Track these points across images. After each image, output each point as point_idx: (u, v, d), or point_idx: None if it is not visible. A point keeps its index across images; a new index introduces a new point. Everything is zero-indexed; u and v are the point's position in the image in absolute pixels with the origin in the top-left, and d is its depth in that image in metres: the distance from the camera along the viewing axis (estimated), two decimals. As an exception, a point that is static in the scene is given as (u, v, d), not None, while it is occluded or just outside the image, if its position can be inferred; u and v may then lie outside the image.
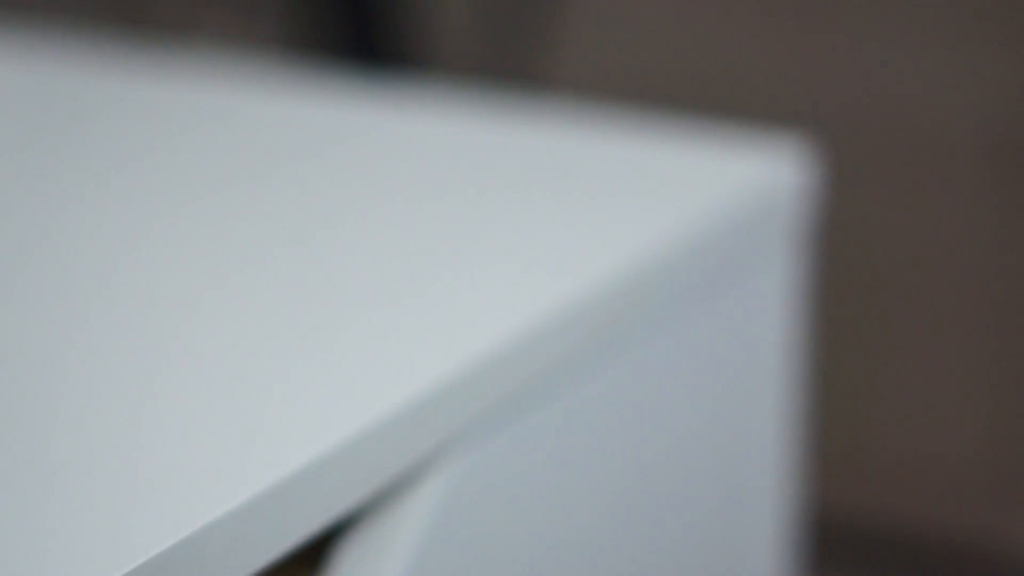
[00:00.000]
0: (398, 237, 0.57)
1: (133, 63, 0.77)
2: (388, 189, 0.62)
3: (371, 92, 0.73)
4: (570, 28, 1.43)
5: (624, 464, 0.56)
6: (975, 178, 1.36)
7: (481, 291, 0.52)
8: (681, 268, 0.56)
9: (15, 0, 1.28)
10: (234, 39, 1.36)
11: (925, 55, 1.35)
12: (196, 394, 0.46)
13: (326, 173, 0.64)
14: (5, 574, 0.37)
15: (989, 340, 1.41)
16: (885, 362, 1.45)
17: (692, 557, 0.62)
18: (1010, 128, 1.33)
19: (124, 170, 0.65)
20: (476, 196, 0.61)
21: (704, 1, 1.41)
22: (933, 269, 1.41)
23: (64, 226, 0.59)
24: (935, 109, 1.35)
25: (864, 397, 1.47)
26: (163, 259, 0.55)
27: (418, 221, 0.58)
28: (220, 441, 0.43)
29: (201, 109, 0.72)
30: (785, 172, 0.61)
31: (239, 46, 1.35)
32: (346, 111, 0.71)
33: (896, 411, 1.46)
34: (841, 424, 1.45)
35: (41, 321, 0.50)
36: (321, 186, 0.62)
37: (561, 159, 0.64)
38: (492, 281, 0.53)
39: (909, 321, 1.43)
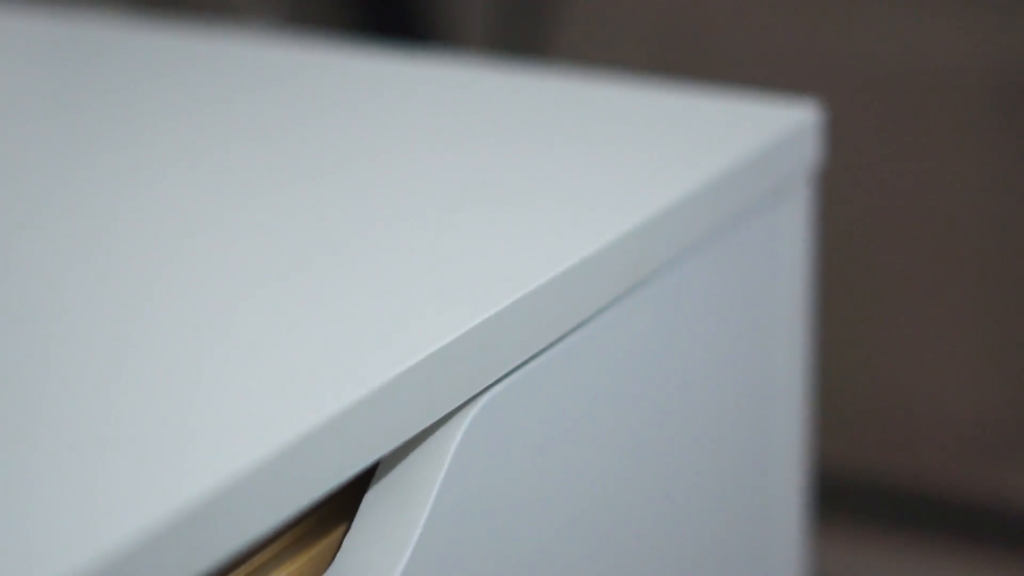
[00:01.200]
0: (440, 181, 0.58)
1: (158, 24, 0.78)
2: (435, 136, 0.64)
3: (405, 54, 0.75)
4: (574, 16, 1.44)
5: (654, 396, 0.58)
6: (978, 129, 1.37)
7: (535, 228, 0.54)
8: (711, 205, 0.58)
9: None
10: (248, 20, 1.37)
11: (928, 17, 1.35)
12: (232, 344, 0.47)
13: (368, 121, 0.65)
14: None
15: (995, 297, 1.42)
16: (889, 319, 1.46)
17: (714, 494, 0.64)
18: (1010, 77, 1.34)
19: (148, 122, 0.66)
20: (524, 142, 0.63)
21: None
22: (941, 224, 1.42)
23: (96, 183, 0.60)
24: (936, 67, 1.36)
25: (867, 353, 1.48)
26: (197, 209, 0.57)
27: (466, 166, 0.60)
28: (261, 388, 0.44)
29: (223, 60, 0.74)
30: (797, 122, 0.64)
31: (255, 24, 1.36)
32: (383, 66, 0.73)
33: (899, 368, 1.47)
34: (844, 379, 1.46)
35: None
36: (361, 133, 0.64)
37: (598, 109, 0.66)
38: (544, 217, 0.55)
39: (914, 279, 1.44)
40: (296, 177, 0.60)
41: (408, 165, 0.61)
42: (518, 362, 0.49)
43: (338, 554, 0.46)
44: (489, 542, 0.49)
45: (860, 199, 1.43)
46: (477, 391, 0.47)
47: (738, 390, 0.64)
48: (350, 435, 0.43)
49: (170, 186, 0.60)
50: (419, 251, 0.52)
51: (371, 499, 0.47)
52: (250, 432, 0.41)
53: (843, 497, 1.45)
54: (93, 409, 0.43)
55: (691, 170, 0.59)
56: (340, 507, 0.47)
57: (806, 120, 0.64)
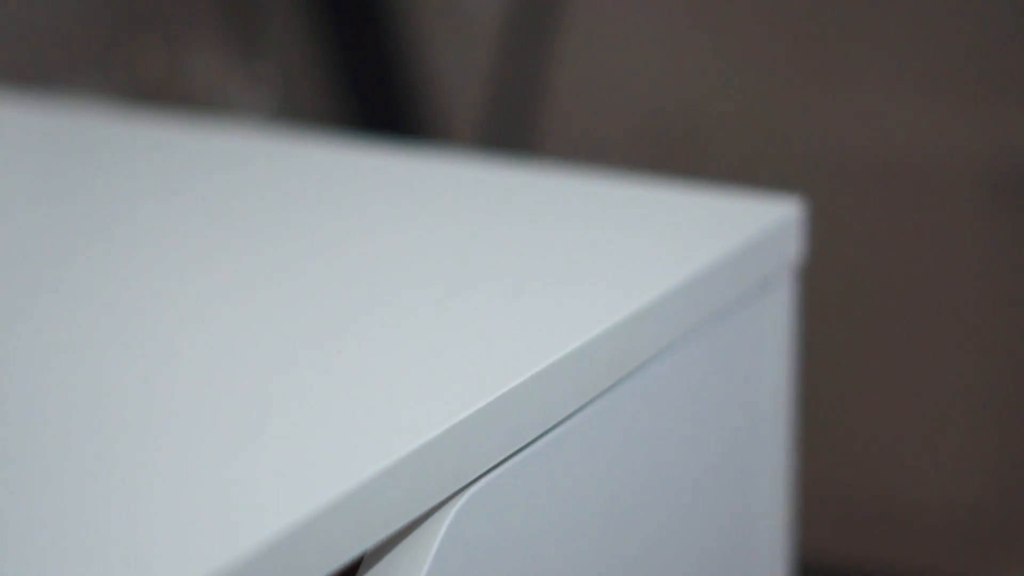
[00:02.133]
0: (428, 275, 0.59)
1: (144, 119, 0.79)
2: (423, 230, 0.64)
3: (393, 146, 0.76)
4: (562, 109, 1.45)
5: (638, 489, 0.58)
6: (967, 214, 1.38)
7: (521, 322, 0.54)
8: (696, 300, 0.59)
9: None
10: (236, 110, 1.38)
11: (914, 103, 1.37)
12: (216, 434, 0.47)
13: (356, 214, 0.66)
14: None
15: (980, 387, 1.42)
16: (874, 409, 1.47)
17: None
18: (997, 166, 1.35)
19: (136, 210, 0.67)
20: (511, 237, 0.64)
21: (689, 63, 1.44)
22: (928, 314, 1.42)
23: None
24: (924, 154, 1.38)
25: (852, 443, 1.48)
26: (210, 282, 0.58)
27: (454, 261, 0.60)
28: (247, 480, 0.45)
29: (213, 154, 0.75)
30: (781, 217, 0.65)
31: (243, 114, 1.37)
32: (370, 159, 0.74)
33: (884, 458, 1.47)
34: (828, 470, 1.46)
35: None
36: (349, 226, 0.65)
37: (583, 204, 0.67)
38: (530, 312, 0.55)
39: (900, 369, 1.45)
40: (286, 271, 0.61)
41: (397, 260, 0.61)
42: (503, 456, 0.50)
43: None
44: (474, 635, 0.49)
45: (847, 288, 1.44)
46: (462, 485, 0.48)
47: (722, 482, 0.64)
48: (335, 528, 0.43)
49: (161, 278, 0.60)
50: (405, 345, 0.53)
51: (357, 592, 0.47)
52: (236, 523, 0.42)
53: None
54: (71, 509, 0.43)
55: (676, 265, 0.60)
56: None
57: (790, 215, 0.65)
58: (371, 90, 1.37)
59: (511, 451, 0.50)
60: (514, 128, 1.45)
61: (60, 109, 0.87)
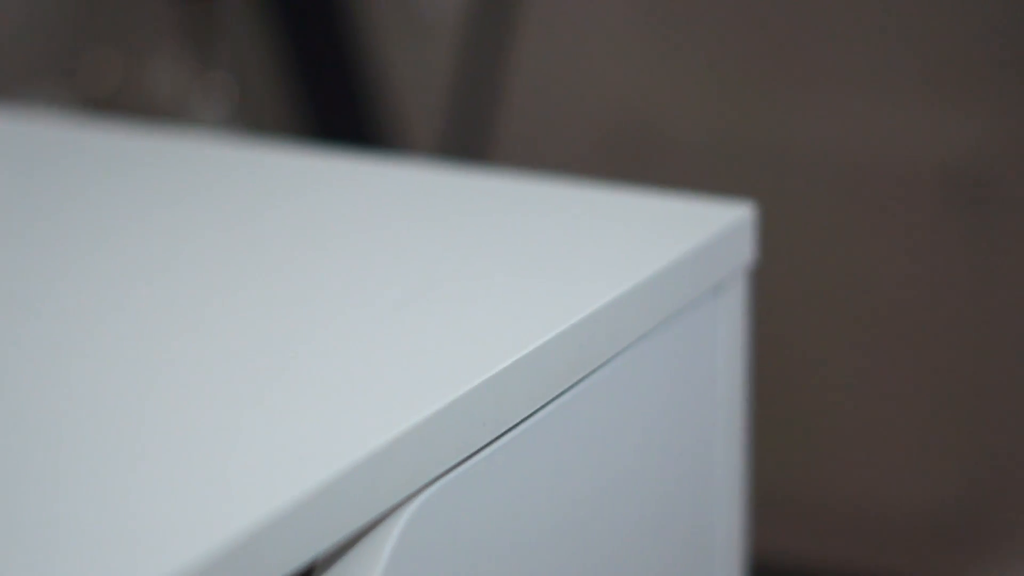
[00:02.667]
0: (384, 280, 0.59)
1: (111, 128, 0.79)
2: (380, 234, 0.65)
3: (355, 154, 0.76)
4: (522, 112, 1.45)
5: (593, 491, 0.58)
6: (927, 215, 1.39)
7: (474, 328, 0.55)
8: (649, 303, 0.59)
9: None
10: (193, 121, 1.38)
11: (874, 106, 1.38)
12: (165, 443, 0.48)
13: (314, 220, 0.66)
14: None
15: (939, 386, 1.43)
16: (831, 408, 1.47)
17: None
18: (957, 169, 1.36)
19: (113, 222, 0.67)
20: (467, 242, 0.64)
21: (648, 67, 1.44)
22: (886, 314, 1.43)
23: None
24: (884, 156, 1.38)
25: (813, 442, 1.48)
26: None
27: (409, 265, 0.61)
28: (200, 488, 0.45)
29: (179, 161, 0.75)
30: (734, 220, 0.65)
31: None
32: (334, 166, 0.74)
33: (847, 458, 1.48)
34: (790, 469, 1.47)
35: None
36: (305, 232, 0.65)
37: (540, 209, 0.67)
38: (484, 317, 0.56)
39: (858, 368, 1.45)
40: (238, 278, 0.61)
41: (351, 265, 0.62)
42: (457, 460, 0.50)
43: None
44: (429, 639, 0.49)
45: (809, 289, 1.44)
46: (416, 489, 0.48)
47: (678, 485, 0.65)
48: (287, 533, 0.43)
49: (120, 286, 0.60)
50: (359, 350, 0.53)
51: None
52: (187, 530, 0.42)
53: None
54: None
55: (629, 270, 0.60)
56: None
57: (742, 219, 0.66)
58: (330, 99, 1.37)
59: (464, 455, 0.50)
60: (473, 134, 1.45)
61: (18, 118, 0.86)
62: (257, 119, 1.44)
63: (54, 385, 0.52)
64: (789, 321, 1.45)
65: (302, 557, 0.44)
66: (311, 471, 0.45)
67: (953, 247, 1.38)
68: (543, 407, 0.55)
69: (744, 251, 0.66)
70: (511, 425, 0.53)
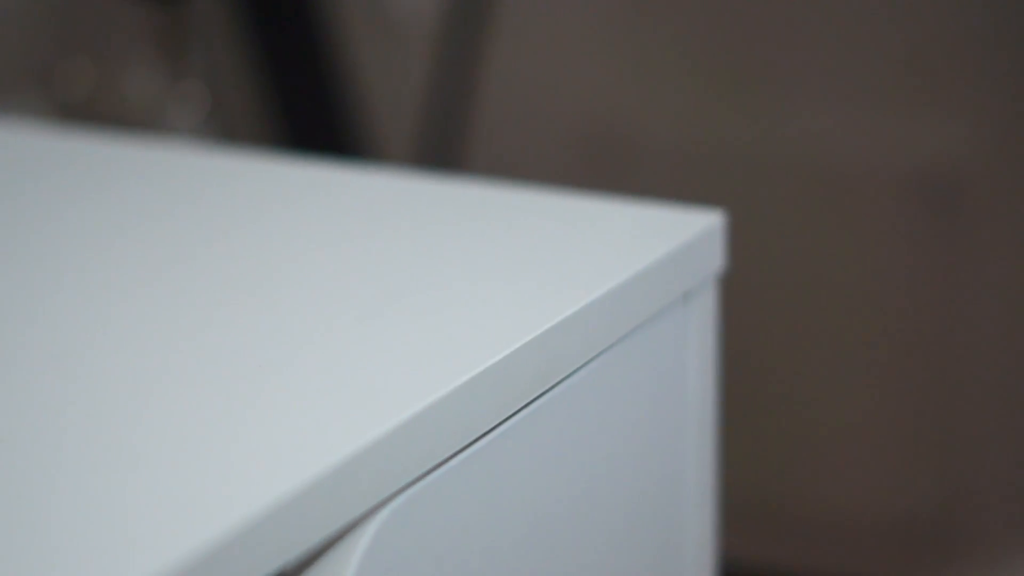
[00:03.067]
0: (354, 288, 0.59)
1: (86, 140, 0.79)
2: (351, 241, 0.65)
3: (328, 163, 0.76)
4: (497, 118, 1.46)
5: (563, 500, 0.58)
6: (899, 221, 1.39)
7: (443, 336, 0.55)
8: (619, 311, 0.60)
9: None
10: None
11: (846, 113, 1.38)
12: (132, 453, 0.48)
13: (285, 227, 0.66)
14: None
15: (907, 392, 1.43)
16: (804, 414, 1.48)
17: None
18: (931, 174, 1.37)
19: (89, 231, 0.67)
20: (438, 249, 0.64)
21: (620, 75, 1.44)
22: (857, 318, 1.44)
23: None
24: (856, 162, 1.39)
25: (783, 448, 1.49)
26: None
27: (380, 273, 0.61)
28: (166, 497, 0.45)
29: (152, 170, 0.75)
30: (703, 228, 0.66)
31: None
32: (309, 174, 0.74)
33: (816, 465, 1.48)
34: (760, 476, 1.47)
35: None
36: (276, 239, 0.65)
37: (511, 217, 0.68)
38: (453, 325, 0.56)
39: (828, 374, 1.46)
40: (205, 287, 0.61)
41: (318, 274, 0.62)
42: (423, 470, 0.50)
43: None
44: (398, 648, 0.49)
45: (779, 295, 1.45)
46: (382, 499, 0.48)
47: (648, 493, 0.65)
48: (254, 543, 0.43)
49: (93, 295, 0.60)
50: (328, 359, 0.53)
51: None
52: (153, 542, 0.42)
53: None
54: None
55: (599, 278, 0.60)
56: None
57: (713, 226, 0.66)
58: (303, 107, 1.37)
59: (433, 464, 0.50)
60: (447, 142, 1.45)
61: (-12, 129, 0.86)
62: (230, 127, 1.44)
63: (17, 402, 0.52)
64: (764, 326, 1.45)
65: (270, 566, 0.44)
66: (279, 479, 0.45)
67: (928, 253, 1.39)
68: (513, 415, 0.55)
69: (714, 259, 0.67)
70: (480, 434, 0.53)
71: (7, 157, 0.81)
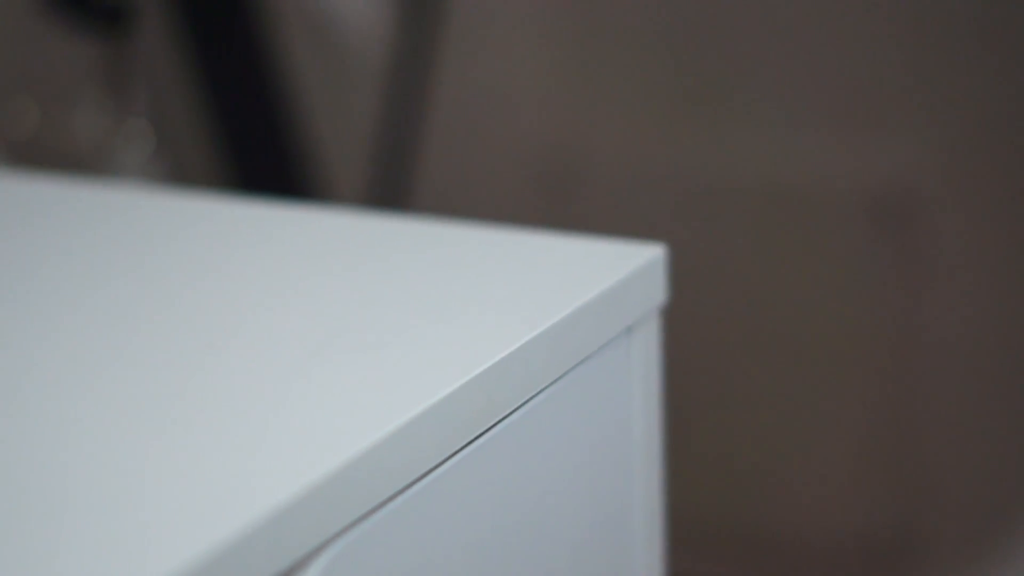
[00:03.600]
0: (295, 329, 0.59)
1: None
2: (293, 281, 0.65)
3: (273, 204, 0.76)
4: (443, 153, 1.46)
5: (508, 537, 0.59)
6: (849, 240, 1.40)
7: (384, 376, 0.55)
8: (560, 346, 0.60)
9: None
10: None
11: (796, 136, 1.39)
12: (76, 499, 0.47)
13: (225, 266, 0.66)
14: None
15: (863, 413, 1.44)
16: (758, 435, 1.48)
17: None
18: (881, 191, 1.38)
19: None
20: (380, 288, 0.64)
21: (571, 101, 1.45)
22: (812, 337, 1.44)
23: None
24: (806, 183, 1.40)
25: (737, 471, 1.49)
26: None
27: (320, 313, 0.61)
28: (107, 542, 0.45)
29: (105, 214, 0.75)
30: (645, 261, 0.66)
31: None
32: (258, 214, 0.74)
33: (771, 487, 1.48)
34: (714, 500, 1.48)
35: None
36: (215, 278, 0.65)
37: (452, 254, 0.68)
38: (395, 365, 0.56)
39: (783, 393, 1.46)
40: (142, 327, 0.61)
41: (264, 315, 0.62)
42: (366, 511, 0.50)
43: None
44: None
45: (732, 315, 1.45)
46: (322, 542, 0.48)
47: (595, 523, 0.65)
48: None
49: (26, 336, 0.60)
50: (267, 402, 0.53)
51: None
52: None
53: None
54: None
55: (541, 313, 0.61)
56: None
57: (655, 260, 0.66)
58: (251, 144, 1.36)
59: (372, 506, 0.50)
60: (398, 176, 1.45)
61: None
62: (178, 165, 1.44)
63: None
64: (720, 346, 1.46)
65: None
66: (219, 523, 0.45)
67: (881, 273, 1.40)
68: (456, 453, 0.55)
69: (657, 292, 0.67)
70: (422, 473, 0.53)
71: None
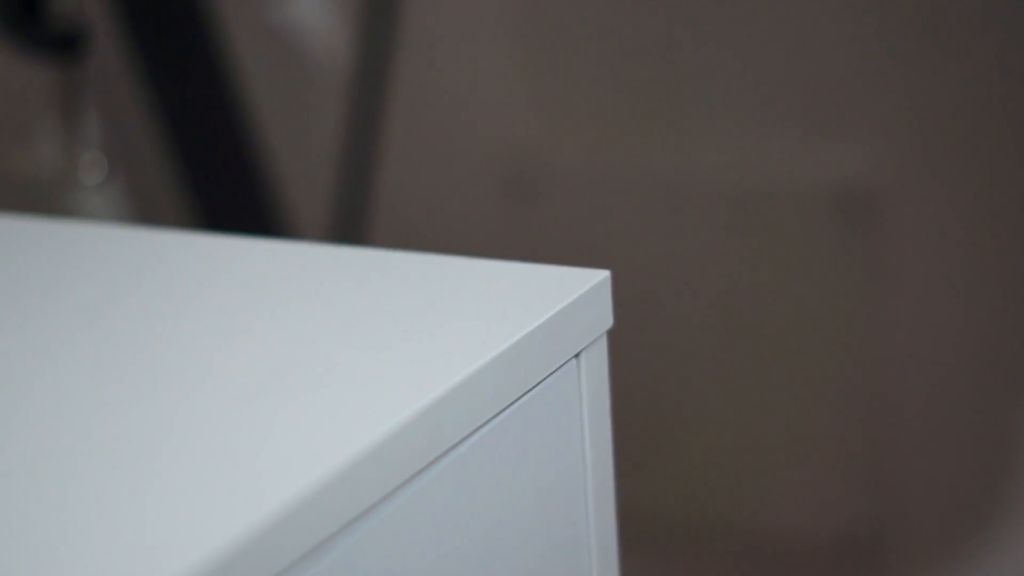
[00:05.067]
0: (239, 364, 0.59)
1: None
2: (239, 312, 0.65)
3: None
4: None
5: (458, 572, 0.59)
6: (819, 239, 1.41)
7: (326, 413, 0.55)
8: (504, 375, 0.60)
9: None
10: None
11: (763, 138, 1.40)
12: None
13: (170, 298, 0.66)
14: None
15: (831, 410, 1.45)
16: (735, 434, 1.49)
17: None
18: (848, 191, 1.38)
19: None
20: (324, 317, 0.64)
21: (533, 109, 1.45)
22: (786, 335, 1.45)
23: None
24: (774, 185, 1.40)
25: (716, 470, 1.49)
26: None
27: (264, 347, 0.61)
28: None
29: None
30: (590, 287, 0.66)
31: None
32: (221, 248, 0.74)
33: (749, 487, 1.49)
34: (691, 500, 1.48)
35: None
36: (161, 311, 0.65)
37: (395, 283, 0.68)
38: (338, 400, 0.56)
39: (754, 392, 1.47)
40: (86, 365, 0.61)
41: (205, 352, 0.62)
42: (306, 550, 0.50)
43: None
44: None
45: (705, 314, 1.46)
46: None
47: (548, 552, 0.65)
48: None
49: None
50: (206, 442, 0.54)
51: None
52: None
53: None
54: None
55: (487, 342, 0.61)
56: None
57: (601, 285, 0.67)
58: (211, 171, 1.36)
59: (312, 546, 0.51)
60: (359, 191, 1.46)
61: None
62: (134, 195, 1.44)
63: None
64: (688, 348, 1.46)
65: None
66: (166, 565, 0.45)
67: (847, 272, 1.40)
68: (402, 486, 0.55)
69: (604, 317, 0.67)
70: (361, 512, 0.53)
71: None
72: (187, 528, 0.48)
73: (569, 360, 0.65)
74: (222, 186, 1.35)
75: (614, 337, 0.69)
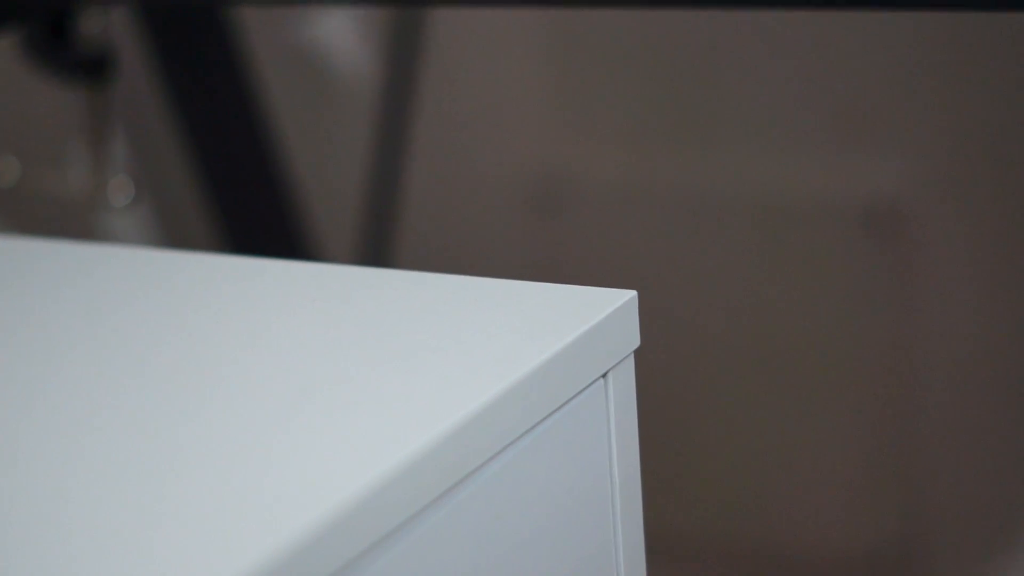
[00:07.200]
0: (269, 384, 0.60)
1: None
2: (271, 333, 0.65)
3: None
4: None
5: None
6: (845, 256, 1.41)
7: (358, 432, 0.55)
8: (531, 397, 0.60)
9: None
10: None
11: (789, 155, 1.40)
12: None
13: (203, 319, 0.67)
14: None
15: (861, 426, 1.44)
16: (763, 455, 1.48)
17: None
18: (873, 206, 1.38)
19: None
20: (357, 338, 0.65)
21: (560, 126, 1.45)
22: (809, 351, 1.44)
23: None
24: (800, 201, 1.40)
25: (744, 491, 1.49)
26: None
27: (297, 366, 0.61)
28: None
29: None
30: (617, 308, 0.66)
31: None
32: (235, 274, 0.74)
33: (778, 507, 1.48)
34: (721, 521, 1.47)
35: None
36: (196, 331, 0.65)
37: (423, 305, 0.68)
38: (370, 418, 0.56)
39: (780, 409, 1.47)
40: (109, 387, 0.61)
41: (234, 372, 0.62)
42: (335, 569, 0.50)
43: None
44: None
45: (730, 332, 1.45)
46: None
47: (576, 568, 0.65)
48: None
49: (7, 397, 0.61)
50: (234, 462, 0.54)
51: None
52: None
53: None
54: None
55: (514, 362, 0.61)
56: None
57: (627, 304, 0.67)
58: (238, 193, 1.36)
59: (342, 564, 0.51)
60: (388, 205, 1.46)
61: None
62: (161, 217, 1.44)
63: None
64: (716, 365, 1.46)
65: None
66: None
67: (874, 287, 1.40)
68: (430, 505, 0.55)
69: (631, 337, 0.67)
70: (390, 530, 0.53)
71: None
72: (216, 548, 0.49)
73: (597, 380, 0.65)
74: (249, 208, 1.35)
75: (641, 354, 0.69)
